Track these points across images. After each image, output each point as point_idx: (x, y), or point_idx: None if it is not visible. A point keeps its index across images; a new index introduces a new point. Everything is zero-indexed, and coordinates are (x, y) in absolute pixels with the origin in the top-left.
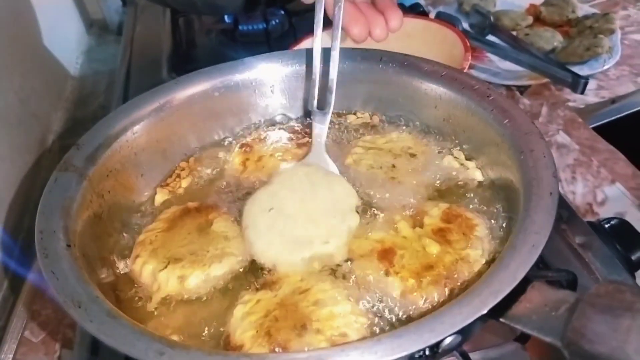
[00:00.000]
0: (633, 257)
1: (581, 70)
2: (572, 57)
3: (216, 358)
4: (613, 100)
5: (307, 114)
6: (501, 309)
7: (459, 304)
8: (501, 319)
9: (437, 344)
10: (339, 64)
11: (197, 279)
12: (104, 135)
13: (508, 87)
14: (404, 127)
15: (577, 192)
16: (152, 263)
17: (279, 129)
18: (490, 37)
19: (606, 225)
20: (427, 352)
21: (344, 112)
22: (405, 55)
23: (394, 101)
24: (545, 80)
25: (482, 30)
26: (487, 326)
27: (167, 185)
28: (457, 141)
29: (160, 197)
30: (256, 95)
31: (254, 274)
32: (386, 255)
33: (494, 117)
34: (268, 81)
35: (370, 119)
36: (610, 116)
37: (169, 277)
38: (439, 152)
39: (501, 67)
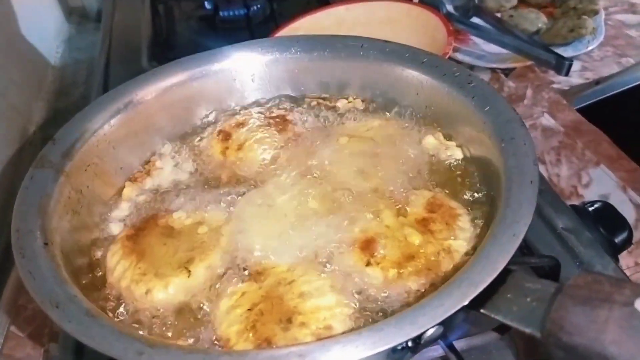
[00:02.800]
0: (616, 240)
1: (565, 52)
2: (556, 38)
3: (196, 356)
4: (597, 82)
5: (290, 99)
6: (482, 299)
7: (440, 295)
8: (482, 310)
9: (419, 336)
10: (319, 52)
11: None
12: (80, 129)
13: (493, 70)
14: (386, 114)
15: (562, 174)
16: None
17: (258, 114)
18: (475, 20)
19: (590, 209)
20: (409, 344)
21: (328, 96)
22: (386, 42)
23: (376, 88)
24: (530, 62)
25: (467, 12)
26: (468, 317)
27: (136, 180)
28: (438, 127)
29: (128, 191)
30: (235, 83)
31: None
32: (368, 245)
33: (475, 104)
34: (247, 69)
35: (356, 105)
36: (594, 97)
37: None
38: (421, 137)
39: (485, 49)
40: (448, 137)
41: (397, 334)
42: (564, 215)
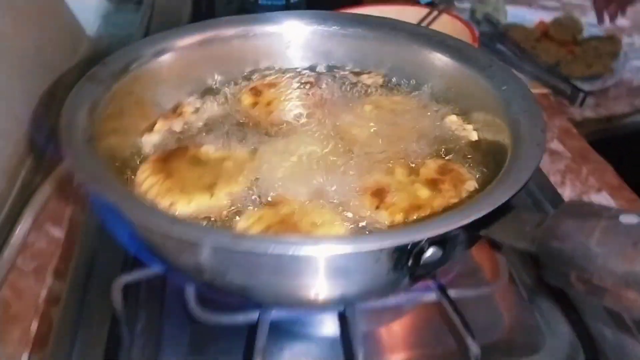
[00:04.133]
0: None
1: (581, 86)
2: (575, 73)
3: (224, 234)
4: (609, 119)
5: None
6: (482, 224)
7: (442, 216)
8: (481, 232)
9: (419, 255)
10: (354, 28)
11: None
12: (129, 58)
13: None
14: (409, 92)
15: (565, 195)
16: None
17: (290, 78)
18: (498, 46)
19: None
20: (409, 262)
21: (358, 70)
22: (416, 25)
23: (402, 67)
24: (547, 91)
25: (491, 39)
26: (466, 242)
27: (168, 117)
28: (457, 107)
29: (160, 125)
30: (274, 48)
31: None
32: (379, 193)
33: (493, 85)
34: (286, 37)
35: (381, 80)
36: (605, 133)
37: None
38: (441, 115)
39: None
40: (466, 120)
41: (399, 237)
42: None
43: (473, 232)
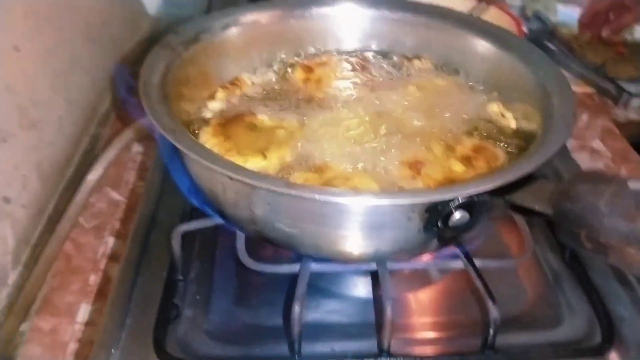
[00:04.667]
0: None
1: (627, 88)
2: (621, 74)
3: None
4: None
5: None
6: (506, 191)
7: (471, 181)
8: (505, 197)
9: (448, 217)
10: (404, 13)
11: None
12: (199, 29)
13: None
14: (454, 77)
15: None
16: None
17: (341, 59)
18: (546, 43)
19: None
20: (438, 223)
21: (406, 54)
22: (461, 13)
23: (448, 52)
24: (591, 90)
25: (540, 35)
26: (492, 208)
27: (227, 88)
28: (499, 95)
29: (221, 94)
30: (329, 30)
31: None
32: (415, 165)
33: (531, 70)
34: (343, 19)
35: (428, 65)
36: None
37: None
38: (482, 101)
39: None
40: (507, 108)
41: (430, 195)
42: None
43: (498, 196)
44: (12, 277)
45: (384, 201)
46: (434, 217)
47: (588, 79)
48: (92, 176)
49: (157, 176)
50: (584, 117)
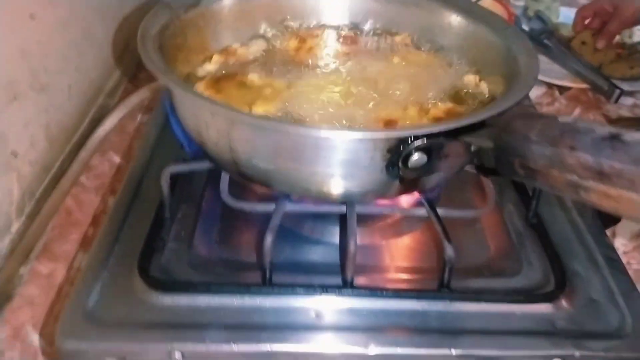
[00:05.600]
0: (607, 216)
1: (620, 85)
2: (616, 73)
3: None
4: None
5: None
6: (458, 133)
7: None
8: (459, 137)
9: (407, 157)
10: None
11: None
12: None
13: (549, 85)
14: (435, 51)
15: None
16: None
17: (331, 31)
18: (545, 41)
19: None
20: (399, 163)
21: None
22: None
23: (427, 29)
24: (585, 86)
25: (540, 34)
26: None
27: (222, 53)
28: (475, 67)
29: (216, 58)
30: (319, 6)
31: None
32: (390, 122)
33: (505, 44)
34: None
35: (409, 40)
36: None
37: None
38: (460, 73)
39: (547, 67)
40: (482, 79)
41: (389, 133)
42: None
43: (451, 138)
44: (15, 226)
45: (347, 135)
46: (395, 157)
47: (583, 76)
48: (99, 133)
49: (154, 128)
50: (577, 111)
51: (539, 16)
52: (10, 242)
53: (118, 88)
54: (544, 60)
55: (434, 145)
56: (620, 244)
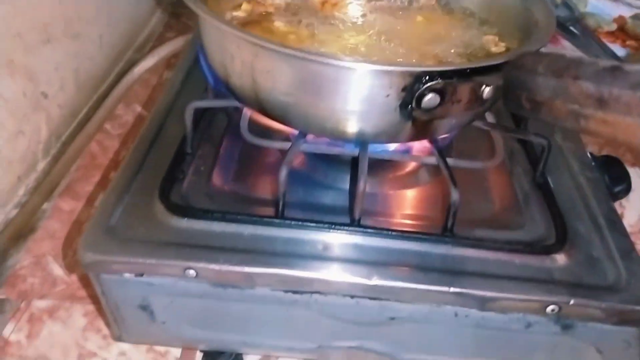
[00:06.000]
0: (616, 190)
1: None
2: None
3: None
4: None
5: None
6: (472, 73)
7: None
8: (472, 77)
9: (420, 98)
10: None
11: None
12: None
13: None
14: (459, 14)
15: None
16: None
17: None
18: (571, 28)
19: (600, 159)
20: (412, 102)
21: None
22: None
23: None
24: None
25: (566, 21)
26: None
27: (250, 3)
28: (496, 30)
29: (245, 6)
30: None
31: None
32: None
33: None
34: None
35: (432, 2)
36: None
37: None
38: (480, 34)
39: (572, 53)
40: (502, 40)
41: (403, 68)
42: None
43: (463, 79)
44: (41, 165)
45: (364, 66)
46: (408, 96)
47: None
48: (127, 80)
49: (180, 72)
50: None
51: (566, 3)
52: (35, 179)
53: (147, 44)
54: (569, 47)
55: (447, 86)
56: (628, 224)
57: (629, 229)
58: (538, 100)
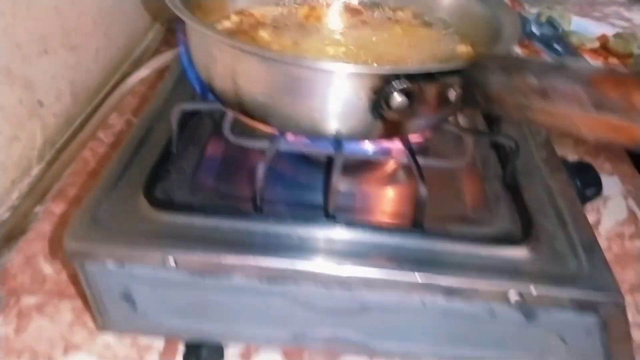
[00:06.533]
0: (587, 193)
1: None
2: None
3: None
4: None
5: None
6: (437, 76)
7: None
8: (438, 79)
9: (389, 99)
10: None
11: None
12: None
13: None
14: (436, 27)
15: None
16: None
17: (339, 3)
18: (555, 46)
19: (572, 163)
20: (382, 104)
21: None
22: None
23: (426, 5)
24: None
25: (550, 39)
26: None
27: (238, 15)
28: (467, 39)
29: (234, 18)
30: None
31: None
32: None
33: (494, 15)
34: None
35: (409, 15)
36: None
37: None
38: (454, 44)
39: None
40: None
41: (369, 69)
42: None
43: (429, 80)
44: (35, 170)
45: (337, 67)
46: (378, 97)
47: None
48: (121, 90)
49: (170, 81)
50: None
51: (550, 22)
52: (28, 184)
53: (143, 58)
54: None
55: (414, 88)
56: (604, 230)
57: (605, 234)
58: (489, 96)
